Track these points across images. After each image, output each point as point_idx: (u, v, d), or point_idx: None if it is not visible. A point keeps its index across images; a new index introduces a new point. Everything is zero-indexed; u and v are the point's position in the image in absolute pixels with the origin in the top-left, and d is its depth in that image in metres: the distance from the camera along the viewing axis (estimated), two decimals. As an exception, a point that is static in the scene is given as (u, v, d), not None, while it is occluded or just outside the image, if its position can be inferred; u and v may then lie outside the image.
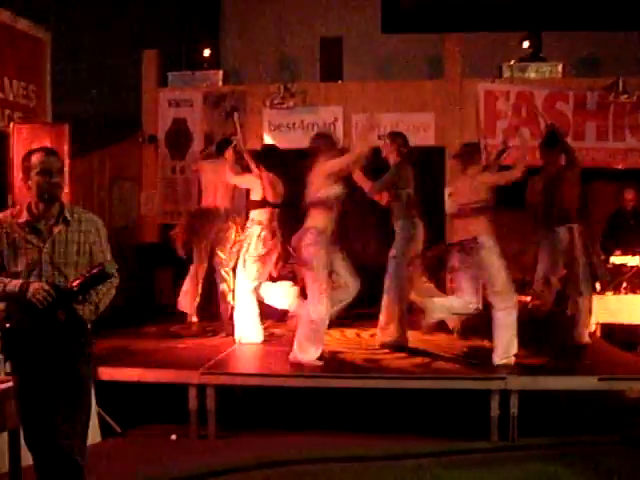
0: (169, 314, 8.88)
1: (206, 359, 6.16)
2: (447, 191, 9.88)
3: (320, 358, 6.05)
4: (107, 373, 5.76)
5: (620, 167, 10.16)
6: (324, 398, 5.89)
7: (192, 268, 8.51)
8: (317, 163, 6.29)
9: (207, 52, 10.90)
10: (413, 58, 12.32)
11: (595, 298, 8.22)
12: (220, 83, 10.76)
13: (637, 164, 10.17)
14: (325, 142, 6.53)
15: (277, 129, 10.42)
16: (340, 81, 10.70)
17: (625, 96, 9.67)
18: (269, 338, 7.42)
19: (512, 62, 10.43)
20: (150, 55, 10.74)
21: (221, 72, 10.78)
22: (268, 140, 10.31)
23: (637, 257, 8.74)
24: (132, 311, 9.09)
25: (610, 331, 8.37)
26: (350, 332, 7.94)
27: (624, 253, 8.83)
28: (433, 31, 11.48)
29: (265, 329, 7.66)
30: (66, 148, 5.63)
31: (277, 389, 5.79)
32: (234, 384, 5.77)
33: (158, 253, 10.07)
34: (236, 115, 8.61)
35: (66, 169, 5.64)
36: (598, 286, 8.45)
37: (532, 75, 10.41)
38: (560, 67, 10.40)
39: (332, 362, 6.22)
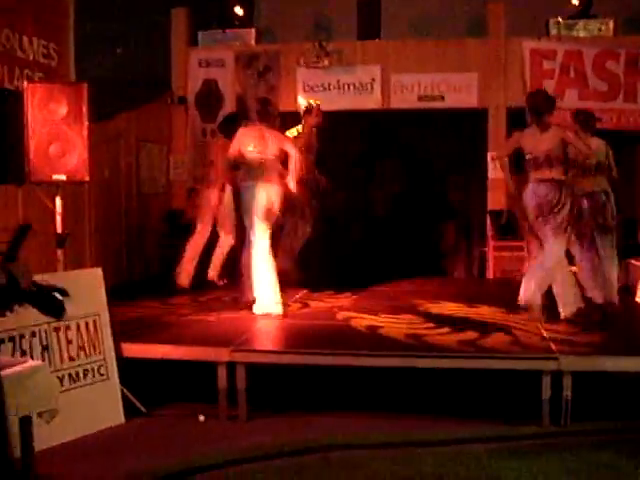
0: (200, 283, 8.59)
1: (237, 334, 5.81)
2: (490, 155, 9.47)
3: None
4: (131, 349, 5.44)
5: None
6: (362, 377, 5.50)
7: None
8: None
9: (240, 10, 10.46)
10: (453, 18, 11.81)
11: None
12: (253, 42, 10.35)
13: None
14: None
15: (312, 90, 9.97)
16: (378, 39, 10.23)
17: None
18: (299, 311, 7.09)
19: (559, 19, 9.87)
20: (179, 13, 10.35)
21: (254, 30, 10.37)
22: (302, 101, 9.89)
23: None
24: (164, 279, 8.84)
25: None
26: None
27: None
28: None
29: (299, 300, 7.38)
30: (84, 109, 5.22)
31: (312, 368, 5.42)
32: (266, 362, 5.40)
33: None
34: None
35: (85, 132, 5.38)
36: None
37: (581, 33, 9.83)
38: (611, 24, 9.79)
39: (371, 338, 5.84)
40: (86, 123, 5.28)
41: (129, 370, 5.39)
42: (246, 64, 10.20)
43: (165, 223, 9.81)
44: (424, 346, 5.55)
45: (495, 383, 5.38)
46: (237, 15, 10.45)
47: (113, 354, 5.32)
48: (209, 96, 10.27)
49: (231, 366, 5.30)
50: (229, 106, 10.22)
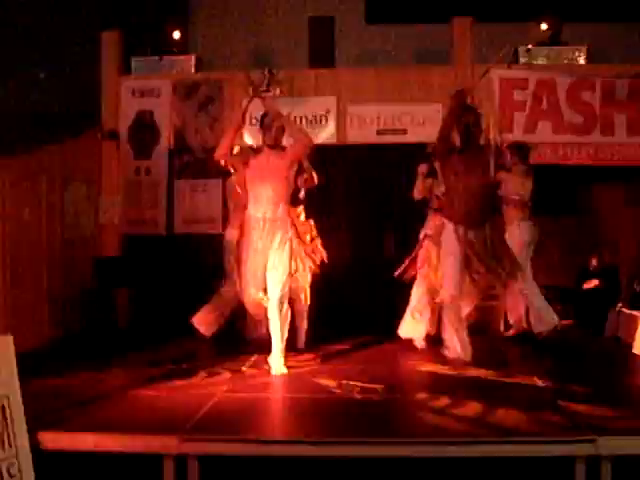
0: (132, 342, 7.39)
1: (190, 414, 4.62)
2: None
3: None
4: (51, 439, 4.22)
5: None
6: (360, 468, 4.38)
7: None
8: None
9: (177, 34, 9.39)
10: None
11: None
12: (193, 70, 9.27)
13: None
14: None
15: (259, 122, 8.92)
16: (332, 68, 9.26)
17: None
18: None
19: (529, 46, 9.08)
20: (110, 37, 9.20)
21: (193, 57, 9.26)
22: (247, 136, 8.85)
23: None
24: (89, 339, 7.61)
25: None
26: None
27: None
28: (422, 21, 10.13)
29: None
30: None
31: (294, 459, 4.26)
32: (228, 454, 4.22)
33: (120, 269, 8.56)
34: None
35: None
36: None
37: (551, 60, 9.07)
38: (584, 51, 9.07)
39: (368, 416, 4.76)
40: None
41: (49, 468, 4.18)
42: (185, 94, 9.11)
43: (93, 275, 8.55)
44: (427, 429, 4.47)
45: (514, 471, 4.30)
46: (174, 40, 9.37)
47: (27, 448, 4.11)
48: (143, 129, 9.12)
49: (181, 460, 4.15)
50: (165, 141, 9.13)
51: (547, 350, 6.86)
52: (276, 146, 6.17)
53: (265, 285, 6.02)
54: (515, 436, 4.17)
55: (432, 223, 7.02)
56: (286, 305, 6.09)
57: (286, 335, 6.13)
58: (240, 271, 6.06)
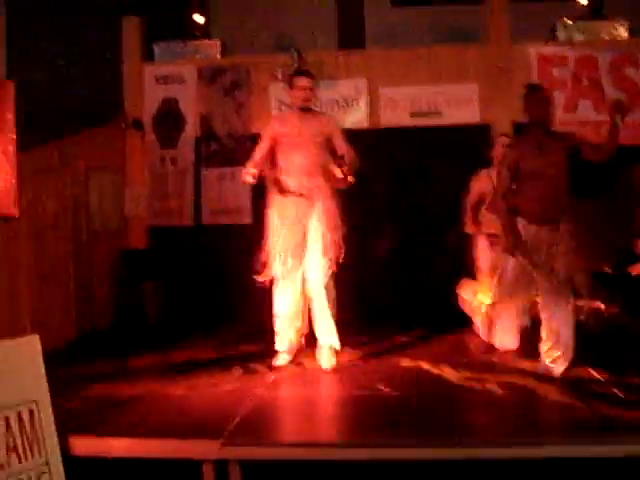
0: (163, 338, 7.09)
1: (231, 416, 4.31)
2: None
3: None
4: (81, 445, 3.94)
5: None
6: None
7: None
8: None
9: (200, 18, 9.07)
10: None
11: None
12: (218, 55, 8.94)
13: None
14: None
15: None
16: (363, 49, 8.92)
17: None
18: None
19: (568, 21, 8.68)
20: (131, 22, 8.90)
21: (219, 42, 8.93)
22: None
23: None
24: (118, 335, 7.35)
25: None
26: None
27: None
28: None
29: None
30: (10, 116, 3.78)
31: (343, 464, 3.94)
32: (272, 459, 3.93)
33: (148, 262, 8.29)
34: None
35: (10, 148, 3.92)
36: None
37: (592, 36, 8.67)
38: (626, 25, 8.66)
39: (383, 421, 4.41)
40: (12, 135, 3.81)
41: (81, 474, 3.91)
42: (210, 80, 8.78)
43: (121, 267, 8.29)
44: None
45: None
46: (197, 24, 9.05)
47: (59, 454, 3.83)
48: (168, 118, 8.82)
49: (221, 465, 3.86)
50: (191, 128, 8.83)
51: (595, 340, 6.48)
52: (308, 109, 5.61)
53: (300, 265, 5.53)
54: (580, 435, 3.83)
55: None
56: (333, 289, 5.57)
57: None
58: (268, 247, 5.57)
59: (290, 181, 5.51)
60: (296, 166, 5.47)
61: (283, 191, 5.51)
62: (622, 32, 8.65)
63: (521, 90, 8.28)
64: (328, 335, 5.62)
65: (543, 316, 5.23)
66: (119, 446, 3.96)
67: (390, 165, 8.46)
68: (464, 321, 6.66)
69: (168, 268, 8.31)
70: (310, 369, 5.63)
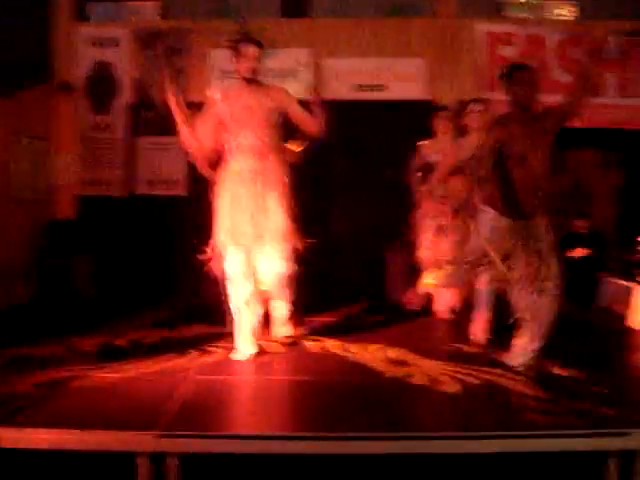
0: (93, 315, 6.72)
1: (171, 404, 4.01)
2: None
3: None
4: (2, 437, 3.62)
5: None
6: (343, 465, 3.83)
7: None
8: None
9: (139, -22, 8.66)
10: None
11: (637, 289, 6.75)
12: (157, 18, 8.55)
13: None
14: None
15: (228, 77, 8.28)
16: (308, 17, 8.62)
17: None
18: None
19: (517, -1, 8.55)
20: (63, -21, 8.46)
21: (158, 3, 8.53)
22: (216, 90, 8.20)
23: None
24: (43, 312, 6.94)
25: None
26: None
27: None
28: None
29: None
30: None
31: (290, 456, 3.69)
32: (212, 451, 3.66)
33: (76, 233, 7.90)
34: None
35: None
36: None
37: (541, 15, 8.54)
38: (574, 6, 8.56)
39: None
40: None
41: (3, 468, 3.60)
42: (147, 44, 8.39)
43: (46, 238, 7.88)
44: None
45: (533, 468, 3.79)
46: (136, -15, 8.64)
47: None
48: (102, 82, 8.40)
49: (157, 458, 3.58)
50: (126, 95, 8.43)
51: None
52: (255, 81, 5.07)
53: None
54: (537, 429, 3.65)
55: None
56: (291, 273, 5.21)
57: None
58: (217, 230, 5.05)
59: (239, 163, 5.01)
60: (245, 146, 4.98)
61: None
62: (570, 13, 8.56)
63: (467, 67, 8.36)
64: (282, 326, 5.44)
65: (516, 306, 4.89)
66: (44, 438, 3.62)
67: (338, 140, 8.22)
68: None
69: (99, 240, 7.94)
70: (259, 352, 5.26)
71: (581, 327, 6.45)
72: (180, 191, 8.22)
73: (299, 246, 5.07)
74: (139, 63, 8.40)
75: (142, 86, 8.40)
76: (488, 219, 4.76)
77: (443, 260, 5.90)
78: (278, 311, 5.46)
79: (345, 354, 5.24)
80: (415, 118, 8.21)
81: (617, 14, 8.67)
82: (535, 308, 4.65)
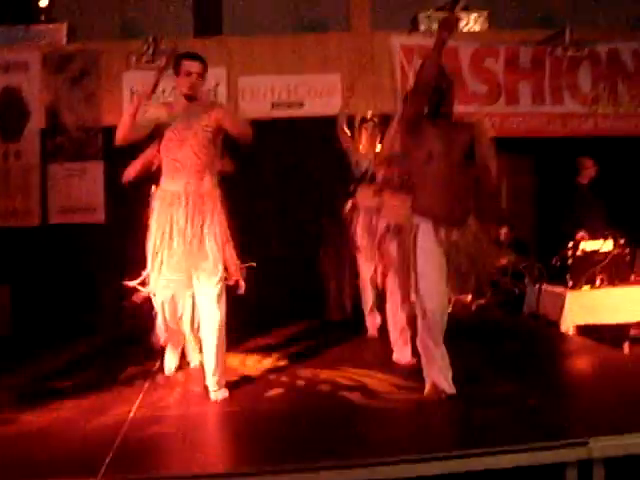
0: (13, 351, 6.45)
1: (103, 444, 3.77)
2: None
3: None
4: None
5: (558, 135, 8.56)
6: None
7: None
8: None
9: (44, 1, 8.37)
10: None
11: (568, 295, 6.82)
12: (64, 41, 8.29)
13: (577, 131, 8.61)
14: None
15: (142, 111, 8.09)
16: (221, 36, 8.48)
17: (573, 49, 8.01)
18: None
19: (430, 12, 8.58)
20: (-34, 3, 8.14)
21: (65, 26, 8.26)
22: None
23: (609, 241, 7.10)
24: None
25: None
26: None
27: (592, 237, 7.18)
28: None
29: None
30: None
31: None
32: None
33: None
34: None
35: None
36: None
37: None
38: (485, 16, 8.66)
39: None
40: None
41: None
42: (57, 67, 8.12)
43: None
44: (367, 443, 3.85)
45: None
46: (41, 8, 8.35)
47: None
48: (10, 108, 8.10)
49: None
50: (37, 119, 8.15)
51: (468, 335, 6.32)
52: (195, 98, 4.74)
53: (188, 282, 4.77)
54: (494, 445, 3.60)
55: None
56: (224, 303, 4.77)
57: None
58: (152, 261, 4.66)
59: (174, 184, 4.69)
60: (182, 166, 4.67)
61: None
62: (483, 23, 8.67)
63: (384, 81, 8.36)
64: (212, 374, 4.78)
65: None
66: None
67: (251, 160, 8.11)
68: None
69: (13, 272, 7.64)
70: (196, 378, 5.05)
71: (514, 335, 6.53)
72: (98, 219, 7.98)
73: (236, 274, 4.74)
74: (49, 87, 8.14)
75: (53, 111, 8.14)
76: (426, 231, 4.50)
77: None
78: (207, 363, 4.86)
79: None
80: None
81: (525, 24, 8.87)
82: None
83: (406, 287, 4.81)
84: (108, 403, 4.64)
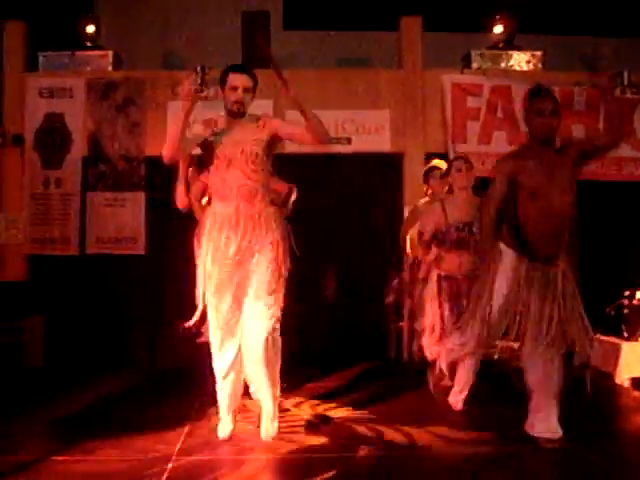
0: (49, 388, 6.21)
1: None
2: (406, 210, 7.71)
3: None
4: None
5: (613, 179, 8.30)
6: None
7: None
8: None
9: (91, 28, 8.26)
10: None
11: (624, 346, 6.56)
12: (110, 68, 8.16)
13: (632, 176, 8.34)
14: None
15: (187, 129, 7.94)
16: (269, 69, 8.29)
17: (633, 90, 7.76)
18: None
19: (483, 50, 8.39)
20: (15, 27, 8.05)
21: (111, 53, 8.15)
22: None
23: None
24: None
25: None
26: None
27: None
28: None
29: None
30: None
31: None
32: None
33: (27, 296, 7.40)
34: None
35: None
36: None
37: (506, 66, 8.42)
38: (539, 58, 8.45)
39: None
40: None
41: None
42: (101, 95, 7.99)
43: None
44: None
45: None
46: (88, 34, 8.24)
47: None
48: (53, 134, 7.94)
49: None
50: (79, 147, 8.00)
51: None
52: (242, 114, 4.42)
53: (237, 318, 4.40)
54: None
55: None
56: (279, 342, 4.47)
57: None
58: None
59: (224, 206, 4.38)
60: (231, 187, 4.34)
61: None
62: (536, 64, 8.46)
63: (435, 119, 8.17)
64: (265, 401, 4.49)
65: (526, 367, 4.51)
66: None
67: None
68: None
69: (50, 303, 7.45)
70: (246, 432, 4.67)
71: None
72: (138, 250, 7.78)
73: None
74: (92, 115, 8.01)
75: (95, 139, 7.99)
76: (508, 261, 4.27)
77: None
78: (263, 404, 4.54)
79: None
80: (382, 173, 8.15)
81: (581, 65, 8.67)
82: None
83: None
84: (155, 445, 4.35)
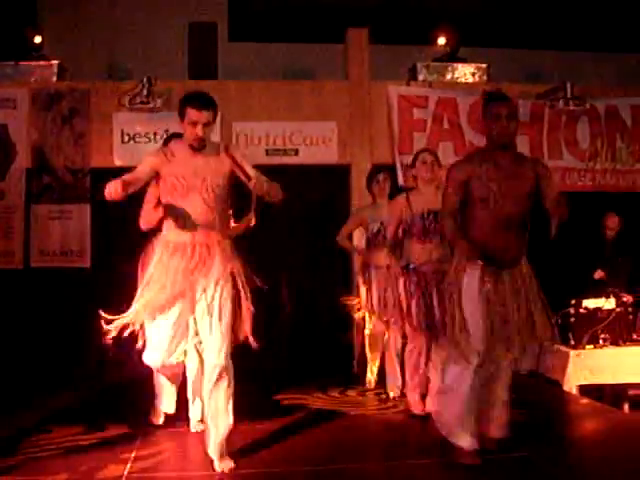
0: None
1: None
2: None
3: None
4: None
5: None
6: None
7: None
8: None
9: (37, 39, 8.11)
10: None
11: (572, 354, 6.73)
12: (54, 78, 8.03)
13: (575, 186, 8.49)
14: None
15: (132, 139, 7.88)
16: (216, 80, 8.28)
17: (576, 102, 7.92)
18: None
19: (428, 62, 8.49)
20: (-44, 38, 7.90)
21: (56, 63, 8.02)
22: (119, 157, 7.76)
23: (611, 299, 6.94)
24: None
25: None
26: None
27: (596, 295, 7.03)
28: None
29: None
30: None
31: None
32: None
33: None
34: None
35: None
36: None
37: (452, 78, 8.53)
38: (484, 70, 8.56)
39: None
40: None
41: None
42: (46, 106, 7.87)
43: None
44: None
45: None
46: (33, 44, 8.10)
47: None
48: (-4, 146, 7.86)
49: None
50: (23, 159, 7.86)
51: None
52: (201, 148, 4.22)
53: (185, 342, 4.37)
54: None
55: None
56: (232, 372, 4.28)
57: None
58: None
59: (179, 235, 4.24)
60: (188, 216, 4.21)
61: None
62: (481, 77, 8.58)
63: (381, 130, 8.22)
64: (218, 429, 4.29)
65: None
66: None
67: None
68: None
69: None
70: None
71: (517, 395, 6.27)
72: (84, 263, 7.69)
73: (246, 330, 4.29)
74: (36, 126, 7.89)
75: (40, 150, 7.87)
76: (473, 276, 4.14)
77: None
78: (213, 436, 4.31)
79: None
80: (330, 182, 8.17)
81: (519, 79, 8.83)
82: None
83: None
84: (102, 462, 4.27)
